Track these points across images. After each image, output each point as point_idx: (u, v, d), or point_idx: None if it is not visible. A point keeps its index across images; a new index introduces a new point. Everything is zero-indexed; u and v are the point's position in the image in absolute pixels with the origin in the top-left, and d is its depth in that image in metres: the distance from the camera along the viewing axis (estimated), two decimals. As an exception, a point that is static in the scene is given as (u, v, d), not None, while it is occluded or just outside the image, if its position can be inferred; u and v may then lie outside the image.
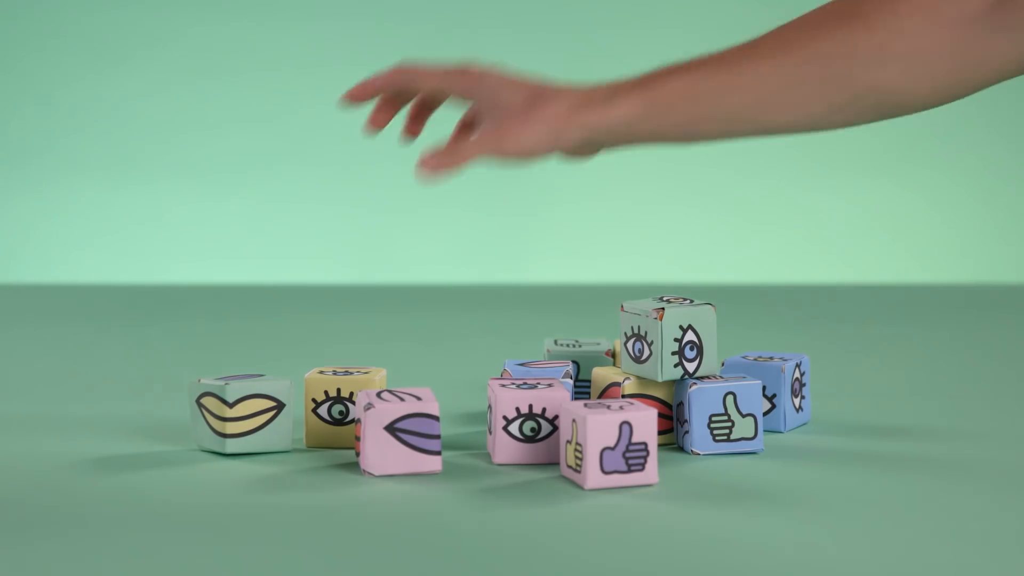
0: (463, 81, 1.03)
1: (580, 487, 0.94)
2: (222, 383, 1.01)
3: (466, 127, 1.07)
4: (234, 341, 1.63)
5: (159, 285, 2.28)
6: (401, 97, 1.06)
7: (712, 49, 1.03)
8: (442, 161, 1.00)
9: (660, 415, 1.04)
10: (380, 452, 0.97)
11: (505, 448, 0.99)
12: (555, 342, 1.16)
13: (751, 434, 1.02)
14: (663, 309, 1.02)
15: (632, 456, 0.93)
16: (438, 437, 0.97)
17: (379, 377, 1.05)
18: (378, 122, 1.07)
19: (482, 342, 1.61)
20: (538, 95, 1.00)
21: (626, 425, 0.93)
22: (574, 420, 0.94)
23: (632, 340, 1.05)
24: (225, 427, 1.01)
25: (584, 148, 1.01)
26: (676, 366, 1.02)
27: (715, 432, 1.02)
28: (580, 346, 1.15)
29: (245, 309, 1.93)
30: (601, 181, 2.92)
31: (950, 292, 2.14)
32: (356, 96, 1.05)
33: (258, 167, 2.96)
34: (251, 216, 2.96)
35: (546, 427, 0.99)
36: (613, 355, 1.14)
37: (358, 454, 0.99)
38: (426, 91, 1.05)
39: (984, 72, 1.00)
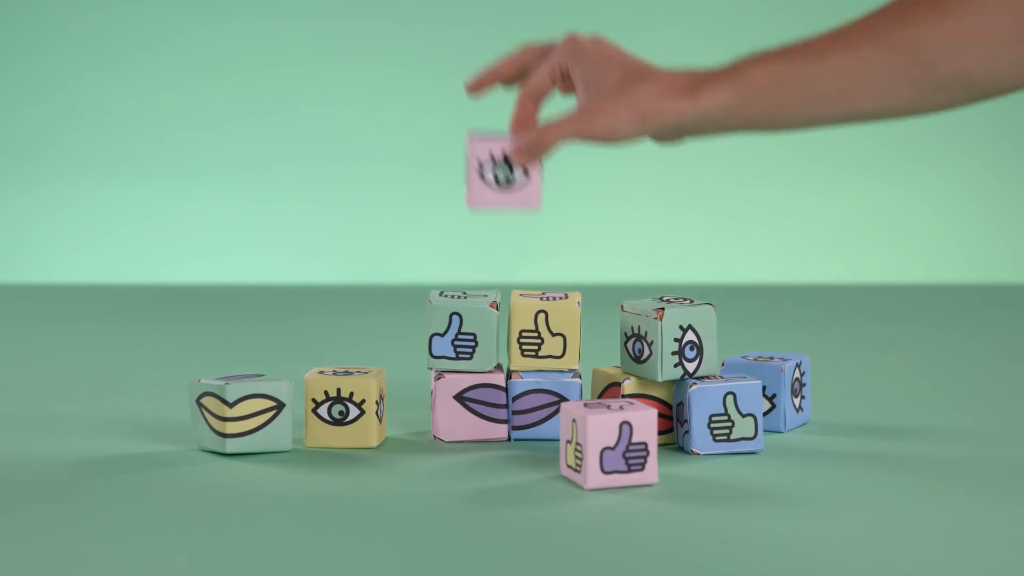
0: (567, 50, 1.05)
1: (580, 487, 0.94)
2: (222, 383, 1.01)
3: (532, 96, 1.08)
4: (234, 341, 1.63)
5: (159, 285, 2.28)
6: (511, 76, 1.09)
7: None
8: (532, 152, 1.03)
9: (660, 415, 1.04)
10: (450, 420, 1.05)
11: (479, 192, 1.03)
12: (439, 293, 1.12)
13: (751, 434, 1.02)
14: (663, 309, 1.02)
15: (632, 456, 0.93)
16: (504, 407, 1.05)
17: (379, 377, 1.06)
18: (476, 88, 1.09)
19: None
20: (629, 78, 1.02)
21: (626, 425, 0.93)
22: (574, 420, 0.94)
23: (632, 340, 1.05)
24: (225, 427, 1.01)
25: (670, 134, 1.03)
26: (676, 366, 1.02)
27: (715, 432, 1.02)
28: (466, 297, 1.11)
29: (245, 309, 1.93)
30: (600, 181, 2.91)
31: (950, 292, 2.14)
32: (475, 87, 1.08)
33: (257, 167, 2.96)
34: (251, 216, 2.95)
35: (519, 174, 1.03)
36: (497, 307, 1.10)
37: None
38: (534, 67, 1.07)
39: None
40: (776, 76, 1.01)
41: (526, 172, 1.03)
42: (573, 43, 1.05)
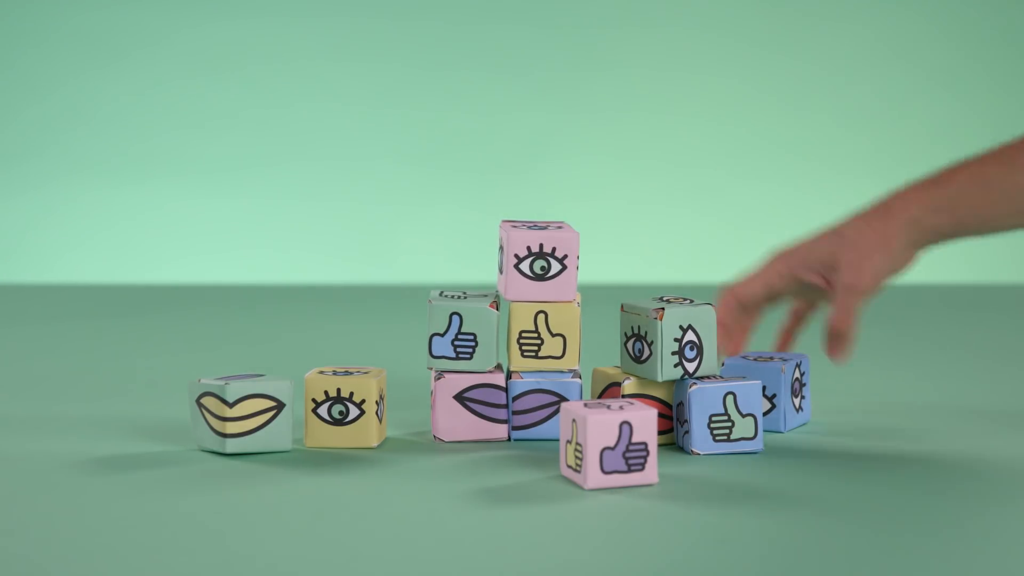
0: (782, 268, 1.12)
1: (580, 487, 0.94)
2: (222, 383, 1.01)
3: (796, 316, 1.18)
4: (234, 341, 1.63)
5: (159, 285, 2.28)
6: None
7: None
8: (844, 343, 1.09)
9: (660, 415, 1.04)
10: (450, 420, 1.05)
11: (516, 285, 1.06)
12: (440, 293, 1.11)
13: (751, 434, 1.02)
14: (663, 309, 1.02)
15: (632, 456, 0.93)
16: (504, 407, 1.05)
17: (379, 377, 1.06)
18: (735, 349, 1.14)
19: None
20: (849, 235, 1.10)
21: (626, 425, 0.93)
22: (574, 420, 0.94)
23: (632, 340, 1.05)
24: (225, 427, 1.01)
25: (909, 251, 1.11)
26: (676, 366, 1.02)
27: (715, 432, 1.02)
28: (465, 297, 1.11)
29: (245, 309, 1.93)
30: (601, 181, 2.91)
31: (950, 292, 2.14)
32: (735, 350, 1.13)
33: (257, 166, 2.96)
34: (250, 215, 2.95)
35: (556, 266, 1.05)
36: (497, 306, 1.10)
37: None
38: (759, 297, 1.13)
39: None
40: (976, 176, 1.08)
41: (561, 263, 1.06)
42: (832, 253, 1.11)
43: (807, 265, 1.11)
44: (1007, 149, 1.09)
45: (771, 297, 1.12)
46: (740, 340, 1.13)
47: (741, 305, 1.11)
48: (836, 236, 1.10)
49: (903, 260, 1.10)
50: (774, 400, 1.09)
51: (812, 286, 1.11)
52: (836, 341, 1.09)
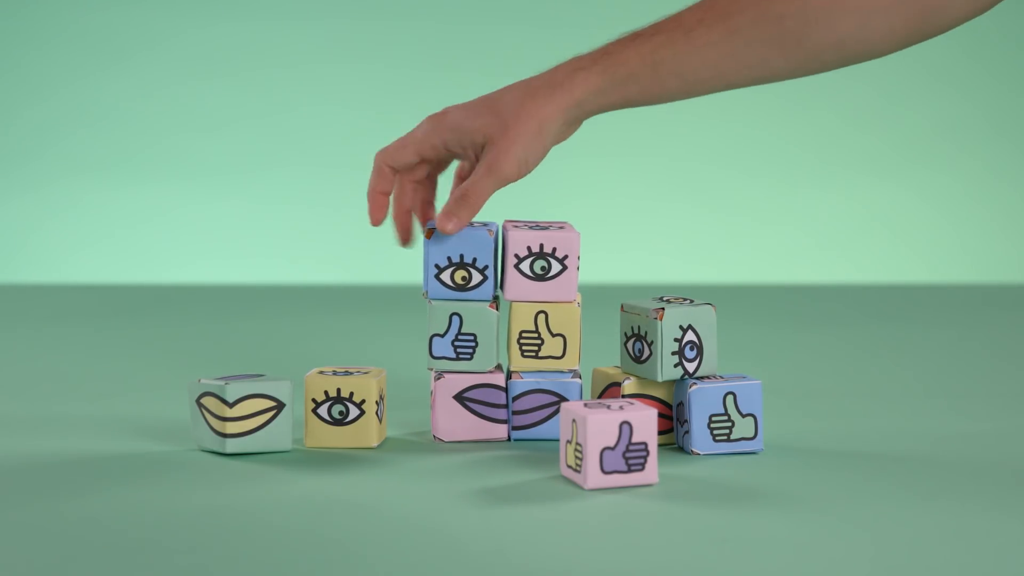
0: (434, 139, 1.05)
1: (580, 487, 0.94)
2: (222, 383, 1.01)
3: (462, 178, 1.11)
4: (234, 341, 1.63)
5: (159, 285, 2.28)
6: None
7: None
8: (461, 216, 1.04)
9: (660, 415, 1.04)
10: (450, 420, 1.05)
11: (516, 285, 1.05)
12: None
13: (751, 434, 1.02)
14: (663, 309, 1.02)
15: (632, 456, 0.93)
16: (504, 407, 1.05)
17: (379, 377, 1.06)
18: (378, 219, 1.12)
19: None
20: (505, 112, 1.03)
21: (626, 425, 0.93)
22: (574, 420, 0.94)
23: (632, 340, 1.05)
24: (225, 427, 1.01)
25: (565, 131, 1.05)
26: (676, 366, 1.02)
27: (715, 432, 1.02)
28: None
29: (245, 309, 1.93)
30: (601, 181, 2.91)
31: (950, 292, 2.14)
32: (378, 217, 1.11)
33: (258, 167, 2.96)
34: (251, 216, 2.95)
35: (556, 266, 1.05)
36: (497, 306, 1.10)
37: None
38: (411, 164, 1.08)
39: (941, 19, 1.01)
40: (648, 58, 1.02)
41: (561, 263, 1.05)
42: (440, 129, 1.06)
43: (460, 142, 1.05)
44: (681, 23, 1.03)
45: (428, 163, 1.08)
46: (413, 210, 1.10)
47: (394, 171, 1.08)
48: (494, 115, 1.04)
49: (559, 139, 1.06)
50: (485, 272, 1.06)
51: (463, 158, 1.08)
52: (455, 215, 1.04)
